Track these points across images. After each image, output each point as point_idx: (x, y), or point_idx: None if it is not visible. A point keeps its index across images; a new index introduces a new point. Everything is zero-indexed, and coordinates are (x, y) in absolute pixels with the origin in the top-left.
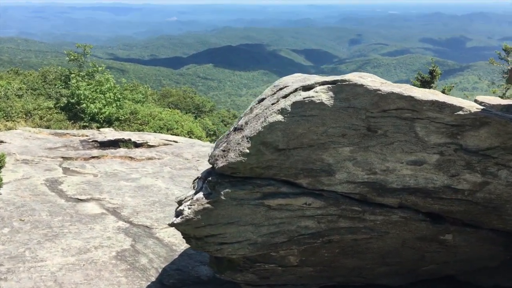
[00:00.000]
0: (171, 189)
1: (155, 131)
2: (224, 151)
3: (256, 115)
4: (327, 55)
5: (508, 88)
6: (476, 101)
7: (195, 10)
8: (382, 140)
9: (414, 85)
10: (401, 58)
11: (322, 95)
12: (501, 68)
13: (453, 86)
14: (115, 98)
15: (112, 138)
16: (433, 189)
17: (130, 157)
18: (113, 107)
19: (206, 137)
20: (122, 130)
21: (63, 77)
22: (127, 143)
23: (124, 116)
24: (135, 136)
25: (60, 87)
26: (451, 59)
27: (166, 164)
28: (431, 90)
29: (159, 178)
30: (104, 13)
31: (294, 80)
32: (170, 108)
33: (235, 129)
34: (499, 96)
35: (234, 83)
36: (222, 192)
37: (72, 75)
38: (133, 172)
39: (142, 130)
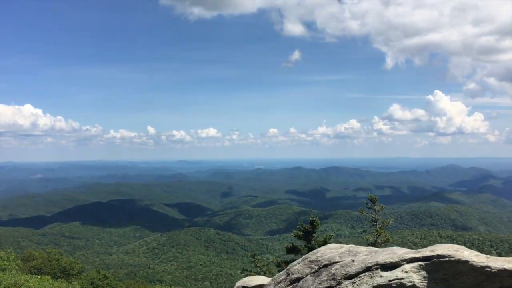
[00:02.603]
0: None
1: None
2: None
3: None
4: (200, 208)
5: (379, 235)
6: None
7: (63, 167)
8: None
9: (296, 236)
10: (270, 209)
11: (414, 276)
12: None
13: (332, 235)
14: None
15: None
16: None
17: None
18: None
19: None
20: None
21: None
22: None
23: None
24: None
25: None
26: (315, 208)
27: None
28: None
29: None
30: None
31: (337, 252)
32: (32, 273)
33: None
34: (371, 243)
35: (104, 241)
36: None
37: None
38: None
39: None
